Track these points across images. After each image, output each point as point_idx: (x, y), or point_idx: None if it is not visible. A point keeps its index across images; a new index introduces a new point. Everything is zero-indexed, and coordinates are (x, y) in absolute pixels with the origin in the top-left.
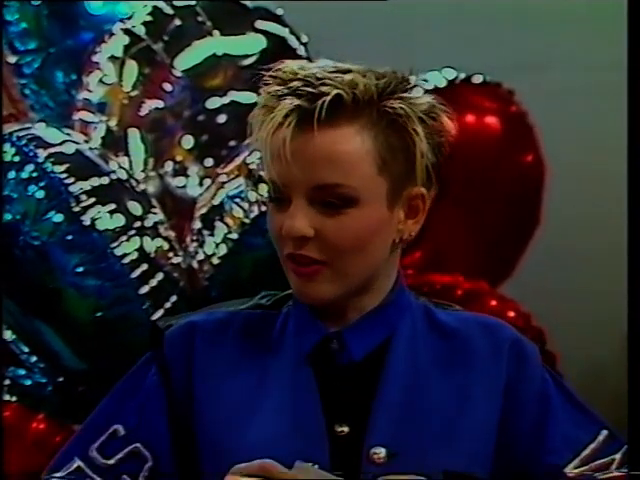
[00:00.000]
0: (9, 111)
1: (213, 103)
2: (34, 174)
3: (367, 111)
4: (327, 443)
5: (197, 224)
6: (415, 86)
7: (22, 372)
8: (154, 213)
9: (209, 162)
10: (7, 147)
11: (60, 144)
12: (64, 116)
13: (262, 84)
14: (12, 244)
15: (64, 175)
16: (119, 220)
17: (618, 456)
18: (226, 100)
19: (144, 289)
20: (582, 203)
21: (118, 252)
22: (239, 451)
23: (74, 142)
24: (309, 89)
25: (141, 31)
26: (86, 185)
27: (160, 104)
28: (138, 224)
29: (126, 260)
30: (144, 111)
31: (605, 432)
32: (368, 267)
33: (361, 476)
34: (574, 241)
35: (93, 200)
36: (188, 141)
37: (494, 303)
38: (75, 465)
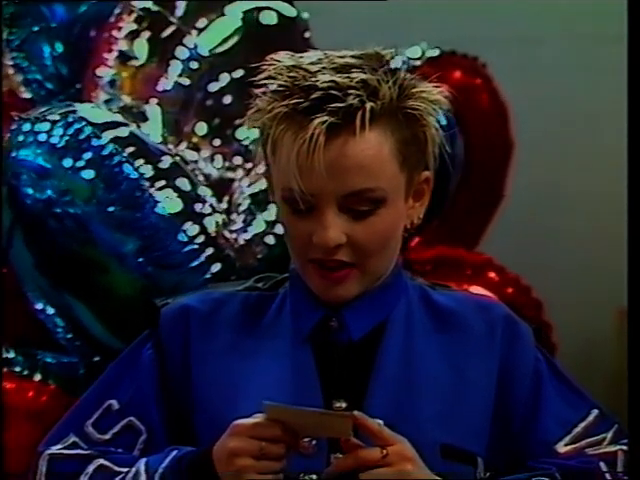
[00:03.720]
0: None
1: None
2: (90, 158)
3: (387, 113)
4: None
5: (245, 203)
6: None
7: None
8: (204, 185)
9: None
10: (56, 129)
11: (114, 127)
12: (53, 93)
13: (264, 78)
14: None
15: (126, 159)
16: (179, 204)
17: (609, 435)
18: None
19: (206, 275)
20: (587, 180)
21: (181, 237)
22: None
23: (124, 125)
24: (338, 104)
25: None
26: (150, 168)
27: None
28: (199, 206)
29: (188, 247)
30: (161, 86)
31: (596, 411)
32: (390, 261)
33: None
34: (573, 219)
35: (161, 183)
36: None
37: (493, 275)
38: (71, 440)
